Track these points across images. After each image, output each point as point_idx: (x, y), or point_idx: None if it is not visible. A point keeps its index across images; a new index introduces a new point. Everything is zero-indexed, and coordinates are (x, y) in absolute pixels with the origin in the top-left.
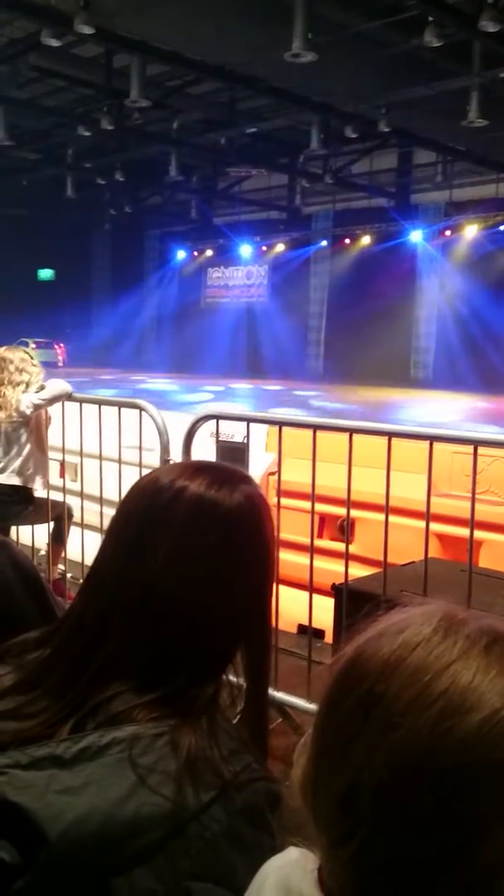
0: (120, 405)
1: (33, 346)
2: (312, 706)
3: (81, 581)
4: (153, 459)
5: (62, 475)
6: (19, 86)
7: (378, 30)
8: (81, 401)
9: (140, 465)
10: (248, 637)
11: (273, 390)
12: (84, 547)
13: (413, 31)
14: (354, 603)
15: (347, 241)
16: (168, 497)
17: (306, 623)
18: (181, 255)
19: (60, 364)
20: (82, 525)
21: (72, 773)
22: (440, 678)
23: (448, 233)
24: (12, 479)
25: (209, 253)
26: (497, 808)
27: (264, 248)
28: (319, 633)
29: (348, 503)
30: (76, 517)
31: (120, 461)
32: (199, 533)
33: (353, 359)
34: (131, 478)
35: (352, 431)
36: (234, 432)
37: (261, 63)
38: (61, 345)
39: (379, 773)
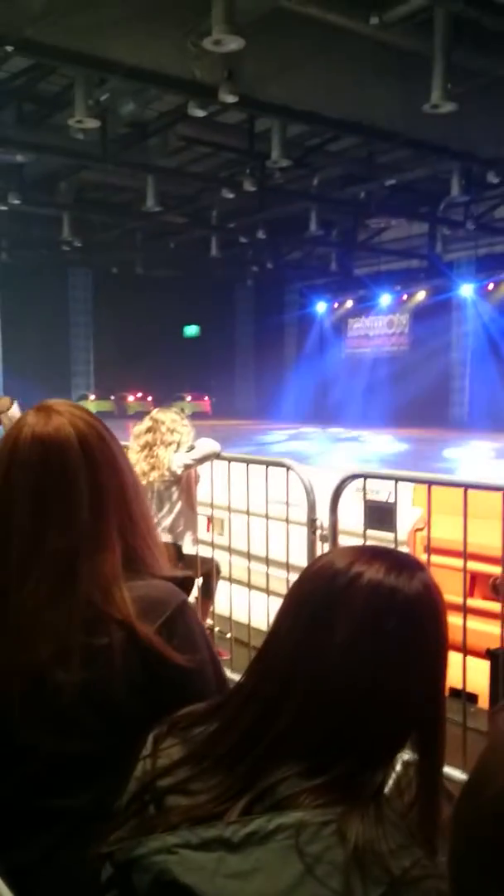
0: (267, 464)
1: (188, 398)
2: None
3: (227, 633)
4: (300, 516)
5: (209, 529)
6: (168, 155)
7: None
8: (230, 459)
9: (287, 521)
10: (421, 724)
11: (425, 439)
12: (232, 601)
13: None
14: None
15: (491, 286)
16: (345, 581)
17: (458, 686)
18: (322, 307)
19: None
20: (230, 580)
21: (240, 858)
22: None
23: None
24: (163, 537)
25: (350, 304)
26: None
27: (405, 296)
28: (472, 697)
29: None
30: (224, 572)
31: (267, 517)
32: (378, 617)
33: (501, 407)
34: (278, 533)
35: None
36: (381, 489)
37: (399, 116)
38: (207, 397)
39: None
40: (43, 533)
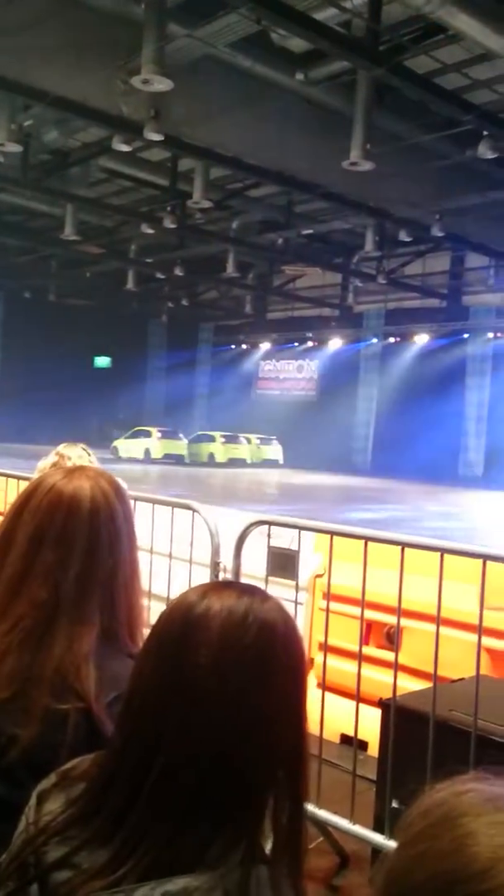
0: (173, 506)
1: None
2: (356, 828)
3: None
4: (204, 557)
5: None
6: (89, 185)
7: (434, 142)
8: (136, 499)
9: (190, 562)
10: (286, 757)
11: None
12: None
13: (468, 143)
14: (402, 721)
15: (398, 339)
16: (201, 609)
17: (348, 733)
18: (234, 347)
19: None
20: None
21: None
22: None
23: (500, 335)
24: None
25: (261, 346)
26: None
27: (316, 343)
28: (363, 745)
29: (399, 614)
30: None
31: (171, 556)
32: (236, 637)
33: (401, 455)
34: (181, 573)
35: (404, 545)
36: (284, 536)
37: (319, 170)
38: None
39: None
40: (28, 578)
